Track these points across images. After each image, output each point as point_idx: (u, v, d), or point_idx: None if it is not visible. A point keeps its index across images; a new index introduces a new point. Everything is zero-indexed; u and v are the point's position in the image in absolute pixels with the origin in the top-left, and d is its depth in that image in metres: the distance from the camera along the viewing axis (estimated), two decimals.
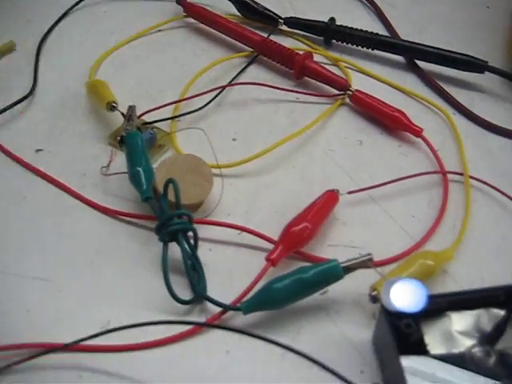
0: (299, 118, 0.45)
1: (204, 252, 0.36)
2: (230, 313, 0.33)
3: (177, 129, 0.44)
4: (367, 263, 0.33)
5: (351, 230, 0.38)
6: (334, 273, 0.33)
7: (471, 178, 0.41)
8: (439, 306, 0.32)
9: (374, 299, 0.33)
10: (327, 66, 0.49)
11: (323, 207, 0.37)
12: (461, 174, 0.41)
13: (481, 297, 0.32)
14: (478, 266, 0.37)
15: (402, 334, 0.30)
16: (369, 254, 0.33)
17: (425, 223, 0.39)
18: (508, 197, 0.40)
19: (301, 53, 0.48)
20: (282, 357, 0.32)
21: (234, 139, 0.44)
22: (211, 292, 0.34)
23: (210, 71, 0.49)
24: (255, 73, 0.50)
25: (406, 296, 0.30)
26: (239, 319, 0.33)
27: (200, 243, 0.36)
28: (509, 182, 0.41)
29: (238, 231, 0.38)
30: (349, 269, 0.33)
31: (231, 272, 0.36)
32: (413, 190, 0.41)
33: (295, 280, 0.33)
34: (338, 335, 0.33)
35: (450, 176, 0.41)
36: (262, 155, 0.41)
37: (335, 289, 0.35)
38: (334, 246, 0.37)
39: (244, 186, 0.41)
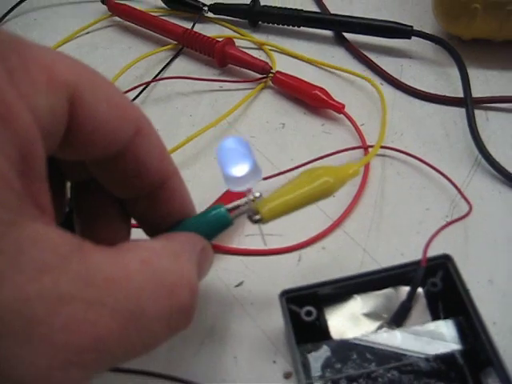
0: (222, 107, 0.44)
1: None
2: None
3: None
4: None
5: None
6: (220, 219, 0.29)
7: (392, 149, 0.40)
8: (346, 290, 0.31)
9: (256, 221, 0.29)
10: (252, 51, 0.48)
11: (229, 194, 0.36)
12: (383, 148, 0.40)
13: (388, 276, 0.31)
14: (398, 242, 0.36)
15: (302, 322, 0.30)
16: (257, 193, 0.29)
17: (345, 202, 0.38)
18: (432, 167, 0.38)
19: (221, 40, 0.47)
20: None
21: None
22: None
23: (136, 68, 0.49)
24: (181, 65, 0.49)
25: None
26: None
27: None
28: (435, 149, 0.41)
29: None
30: (234, 211, 0.29)
31: None
32: None
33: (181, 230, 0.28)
34: (252, 327, 0.33)
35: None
36: (178, 148, 0.40)
37: (251, 280, 0.34)
38: (251, 235, 0.37)
39: None
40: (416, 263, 0.30)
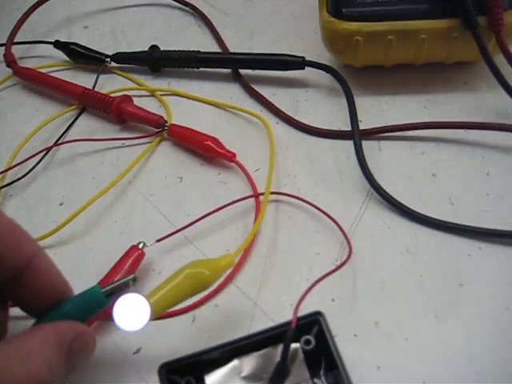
0: (123, 165, 0.45)
1: None
2: None
3: (1, 200, 0.44)
4: (129, 284, 0.31)
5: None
6: (95, 299, 0.30)
7: (283, 194, 0.40)
8: (227, 355, 0.32)
9: None
10: (150, 99, 0.49)
11: (125, 263, 0.37)
12: (274, 193, 0.41)
13: (264, 338, 0.32)
14: (288, 292, 0.36)
15: None
16: (132, 274, 0.31)
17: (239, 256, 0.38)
18: (321, 211, 0.39)
19: (118, 96, 0.47)
20: None
21: (61, 203, 0.44)
22: None
23: (43, 131, 0.49)
24: (85, 124, 0.50)
25: (129, 313, 0.29)
26: None
27: None
28: (327, 188, 0.41)
29: None
30: (112, 292, 0.31)
31: None
32: (229, 221, 0.41)
33: (56, 313, 0.30)
34: None
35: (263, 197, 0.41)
36: (79, 214, 0.41)
37: (147, 346, 0.35)
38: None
39: (67, 253, 0.41)
40: (288, 323, 0.31)
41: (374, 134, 0.43)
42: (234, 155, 0.42)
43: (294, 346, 0.32)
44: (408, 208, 0.38)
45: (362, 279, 0.36)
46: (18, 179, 0.45)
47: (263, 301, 0.36)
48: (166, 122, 0.46)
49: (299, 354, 0.32)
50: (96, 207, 0.42)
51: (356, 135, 0.42)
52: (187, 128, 0.45)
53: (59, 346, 0.26)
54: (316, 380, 0.31)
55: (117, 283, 0.31)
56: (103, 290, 0.30)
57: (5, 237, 0.27)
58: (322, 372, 0.32)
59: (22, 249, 0.28)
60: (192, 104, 0.50)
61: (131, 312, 0.30)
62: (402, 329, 0.34)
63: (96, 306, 0.31)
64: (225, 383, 0.32)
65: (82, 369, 0.30)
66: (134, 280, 0.31)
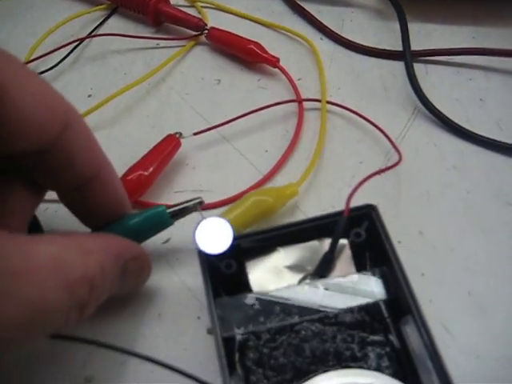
0: (157, 65, 0.43)
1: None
2: None
3: None
4: (196, 207, 0.31)
5: (201, 173, 0.37)
6: (160, 219, 0.30)
7: (329, 103, 0.39)
8: (268, 242, 0.30)
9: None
10: (186, 9, 0.47)
11: (161, 152, 0.35)
12: (318, 101, 0.39)
13: (311, 227, 0.30)
14: (329, 195, 0.35)
15: (222, 275, 0.29)
16: (198, 198, 0.31)
17: (277, 156, 0.37)
18: (367, 120, 0.37)
19: None
20: None
21: (90, 95, 0.42)
22: None
23: (70, 26, 0.47)
24: (116, 24, 0.48)
25: (211, 236, 0.28)
26: None
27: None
28: (372, 102, 0.40)
29: None
30: (177, 214, 0.31)
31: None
32: (268, 124, 0.39)
33: (119, 226, 0.30)
34: (177, 283, 0.32)
35: (308, 105, 0.39)
36: (110, 100, 0.39)
37: (178, 236, 0.33)
38: (181, 191, 0.36)
39: None
40: (339, 213, 0.30)
41: (423, 56, 0.42)
42: (277, 60, 0.41)
43: (341, 241, 0.30)
44: (456, 124, 0.37)
45: (407, 189, 0.35)
46: (45, 71, 0.42)
47: (303, 202, 0.35)
48: (206, 24, 0.44)
49: (346, 250, 0.30)
50: (126, 100, 0.41)
51: (407, 52, 0.40)
52: (228, 32, 0.43)
53: (117, 260, 0.26)
54: (362, 274, 0.30)
55: (183, 205, 0.30)
56: (169, 211, 0.30)
57: (82, 140, 0.26)
58: (368, 268, 0.30)
59: (94, 157, 0.27)
60: (228, 17, 0.47)
61: (214, 235, 0.28)
62: (448, 240, 0.33)
63: (160, 226, 0.31)
64: (266, 270, 0.30)
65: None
66: (201, 203, 0.30)
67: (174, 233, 0.33)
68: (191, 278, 0.32)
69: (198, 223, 0.28)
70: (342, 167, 0.36)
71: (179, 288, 0.32)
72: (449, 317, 0.30)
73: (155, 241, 0.33)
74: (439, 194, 0.35)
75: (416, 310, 0.26)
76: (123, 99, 0.40)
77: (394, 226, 0.31)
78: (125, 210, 0.29)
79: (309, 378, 0.26)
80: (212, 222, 0.28)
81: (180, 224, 0.32)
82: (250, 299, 0.29)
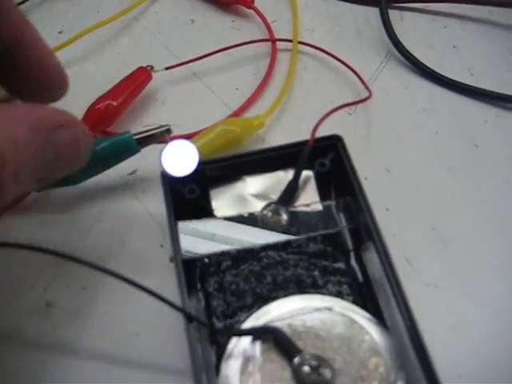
0: (131, 4, 0.42)
1: None
2: None
3: None
4: (164, 135, 0.30)
5: (170, 108, 0.36)
6: (127, 145, 0.30)
7: (302, 43, 0.38)
8: (233, 170, 0.30)
9: None
10: None
11: (131, 83, 0.35)
12: (290, 41, 0.38)
13: (276, 156, 0.30)
14: (297, 133, 0.34)
15: (185, 201, 0.29)
16: (166, 126, 0.30)
17: (247, 95, 0.36)
18: (339, 60, 0.37)
19: None
20: None
21: (61, 32, 0.41)
22: None
23: None
24: None
25: (177, 159, 0.28)
26: None
27: None
28: (345, 45, 0.40)
29: None
30: (144, 141, 0.30)
31: None
32: (240, 63, 0.39)
33: None
34: (142, 213, 0.32)
35: (281, 45, 0.39)
36: (80, 37, 0.38)
37: (145, 167, 0.33)
38: (150, 125, 0.35)
39: None
40: (304, 142, 0.29)
41: (399, 2, 0.41)
42: (252, 0, 0.40)
43: (307, 173, 0.30)
44: (428, 68, 0.37)
45: (376, 128, 0.35)
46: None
47: (271, 139, 0.35)
48: None
49: (311, 181, 0.30)
50: (99, 37, 0.40)
51: None
52: None
53: (35, 129, 0.21)
54: (326, 203, 0.30)
55: (150, 132, 0.30)
56: (136, 137, 0.30)
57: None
58: (332, 198, 0.30)
59: (13, 18, 0.25)
60: None
61: (179, 158, 0.28)
62: (414, 177, 0.33)
63: (126, 152, 0.30)
64: (230, 198, 0.30)
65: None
66: (168, 131, 0.30)
67: (141, 164, 0.33)
68: (156, 208, 0.32)
69: (166, 145, 0.28)
70: (311, 104, 0.36)
71: (143, 217, 0.32)
72: (411, 250, 0.30)
73: (121, 172, 0.33)
74: (408, 133, 0.35)
75: (377, 236, 0.27)
76: (95, 36, 0.39)
77: (361, 162, 0.31)
78: (61, 80, 0.27)
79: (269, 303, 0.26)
80: (179, 144, 0.28)
81: (147, 155, 0.32)
82: (212, 224, 0.29)
